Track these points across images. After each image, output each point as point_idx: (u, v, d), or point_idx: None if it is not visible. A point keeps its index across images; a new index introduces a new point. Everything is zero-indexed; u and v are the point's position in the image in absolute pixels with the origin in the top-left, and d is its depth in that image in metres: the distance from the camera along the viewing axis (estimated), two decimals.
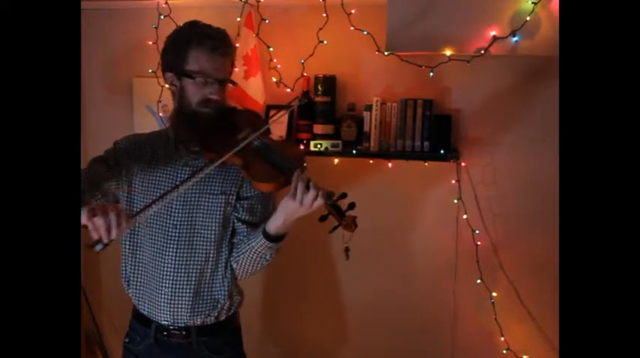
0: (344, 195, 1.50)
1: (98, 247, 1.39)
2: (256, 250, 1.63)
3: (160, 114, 2.60)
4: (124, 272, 1.74)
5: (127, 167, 1.68)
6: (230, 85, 1.68)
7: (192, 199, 1.66)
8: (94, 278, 2.81)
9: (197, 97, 1.61)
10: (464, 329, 2.49)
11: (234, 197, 1.69)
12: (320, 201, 1.48)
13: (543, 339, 2.41)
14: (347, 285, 2.60)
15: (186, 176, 1.64)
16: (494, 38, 2.10)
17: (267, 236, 1.59)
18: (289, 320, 2.67)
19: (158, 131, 1.79)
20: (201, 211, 1.66)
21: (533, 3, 2.05)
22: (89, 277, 2.79)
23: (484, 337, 2.45)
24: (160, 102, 2.58)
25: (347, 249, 1.53)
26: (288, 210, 1.53)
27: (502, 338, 2.41)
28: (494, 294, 2.40)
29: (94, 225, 1.34)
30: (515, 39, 2.09)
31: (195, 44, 1.59)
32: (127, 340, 1.79)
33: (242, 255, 1.67)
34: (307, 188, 1.47)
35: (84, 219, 1.36)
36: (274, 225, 1.57)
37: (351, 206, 1.49)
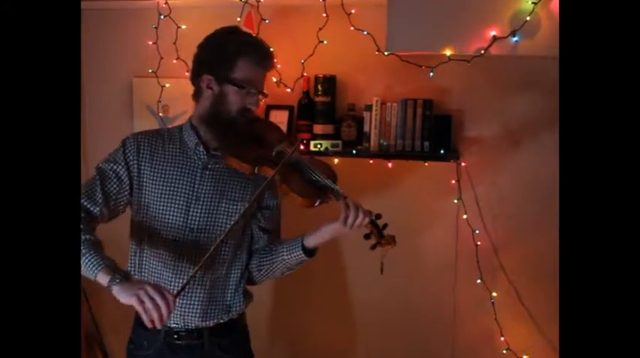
0: (379, 216, 1.61)
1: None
2: (288, 263, 1.68)
3: (160, 115, 2.60)
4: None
5: (137, 171, 1.64)
6: (261, 96, 1.69)
7: (212, 205, 1.65)
8: None
9: (238, 105, 1.62)
10: (464, 329, 2.49)
11: (256, 205, 1.70)
12: (365, 222, 1.56)
13: (543, 339, 2.41)
14: (348, 285, 2.60)
15: (207, 180, 1.65)
16: (494, 38, 2.10)
17: (305, 251, 1.64)
18: (295, 320, 2.67)
19: (167, 129, 1.75)
20: (221, 217, 1.65)
21: (533, 3, 2.05)
22: None
23: (484, 337, 2.45)
24: (160, 102, 2.58)
25: (382, 264, 1.63)
26: (336, 232, 1.60)
27: (502, 338, 2.41)
28: (494, 294, 2.40)
29: (147, 315, 1.36)
30: (515, 39, 2.09)
31: (244, 54, 1.61)
32: (131, 346, 1.75)
33: (269, 265, 1.70)
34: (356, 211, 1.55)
35: (132, 303, 1.37)
36: (316, 242, 1.64)
37: (385, 226, 1.62)
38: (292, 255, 1.65)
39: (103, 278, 1.42)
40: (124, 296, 1.38)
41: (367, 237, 1.61)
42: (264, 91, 1.69)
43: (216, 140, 1.66)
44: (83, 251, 1.44)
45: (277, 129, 1.80)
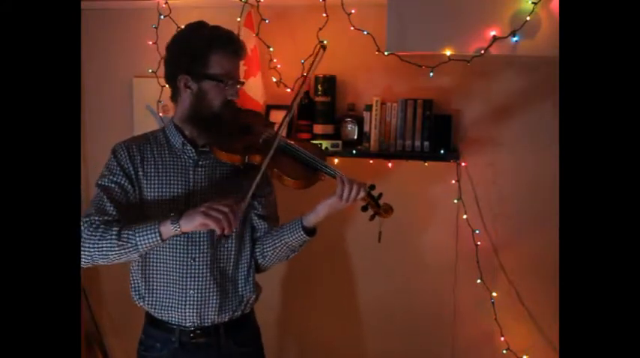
0: (373, 187, 1.66)
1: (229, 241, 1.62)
2: (291, 245, 1.71)
3: (160, 115, 2.60)
4: (135, 286, 1.70)
5: (135, 177, 1.64)
6: (238, 86, 1.70)
7: (209, 200, 1.64)
8: (94, 278, 2.82)
9: (219, 99, 1.64)
10: (464, 329, 2.49)
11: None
12: (361, 195, 1.61)
13: (543, 339, 2.41)
14: (348, 285, 2.60)
15: (201, 177, 1.66)
16: (494, 38, 2.10)
17: (306, 231, 1.68)
18: (302, 318, 2.68)
19: (151, 132, 1.75)
20: None
21: (533, 3, 2.05)
22: (89, 277, 2.79)
23: (484, 337, 2.45)
24: (160, 102, 2.58)
25: (380, 234, 1.68)
26: (333, 208, 1.63)
27: (502, 338, 2.41)
28: (494, 294, 2.41)
29: (219, 225, 1.45)
30: (515, 39, 2.09)
31: (217, 47, 1.61)
32: (141, 348, 1.75)
33: (273, 251, 1.73)
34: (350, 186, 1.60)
35: (202, 222, 1.46)
36: (315, 221, 1.67)
37: (380, 196, 1.67)
38: (294, 237, 1.69)
39: (166, 229, 1.49)
40: (191, 222, 1.47)
41: (364, 208, 1.66)
42: (241, 80, 1.71)
43: (203, 137, 1.67)
44: (129, 233, 1.49)
45: (260, 116, 1.85)
